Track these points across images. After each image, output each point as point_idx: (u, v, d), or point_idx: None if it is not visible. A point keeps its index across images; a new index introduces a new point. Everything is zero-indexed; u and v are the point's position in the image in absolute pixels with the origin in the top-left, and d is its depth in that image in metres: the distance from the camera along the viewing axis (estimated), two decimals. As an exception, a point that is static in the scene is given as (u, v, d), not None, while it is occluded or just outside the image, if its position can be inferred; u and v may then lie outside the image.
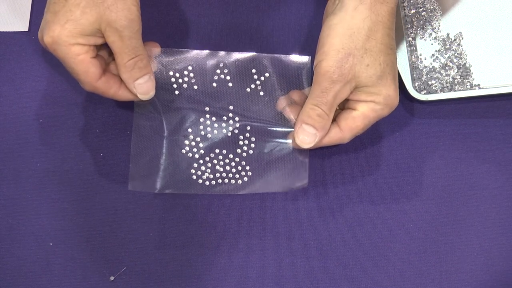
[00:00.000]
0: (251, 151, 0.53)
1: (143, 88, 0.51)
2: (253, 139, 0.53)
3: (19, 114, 0.58)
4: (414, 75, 0.59)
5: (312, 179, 0.56)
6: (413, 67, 0.59)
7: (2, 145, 0.57)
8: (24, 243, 0.55)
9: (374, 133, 0.58)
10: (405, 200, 0.57)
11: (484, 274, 0.55)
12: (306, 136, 0.50)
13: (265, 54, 0.54)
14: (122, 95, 0.51)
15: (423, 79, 0.58)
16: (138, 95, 0.51)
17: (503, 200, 0.57)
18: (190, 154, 0.53)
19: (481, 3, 0.60)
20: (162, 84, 0.53)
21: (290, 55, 0.55)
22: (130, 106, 0.56)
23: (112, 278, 0.54)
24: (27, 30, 0.60)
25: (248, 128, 0.54)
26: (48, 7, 0.48)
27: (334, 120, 0.51)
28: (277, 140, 0.53)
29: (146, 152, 0.53)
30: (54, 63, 0.59)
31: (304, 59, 0.54)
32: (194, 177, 0.53)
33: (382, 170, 0.57)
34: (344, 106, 0.52)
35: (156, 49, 0.53)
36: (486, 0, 0.61)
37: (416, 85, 0.58)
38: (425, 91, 0.58)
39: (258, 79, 0.54)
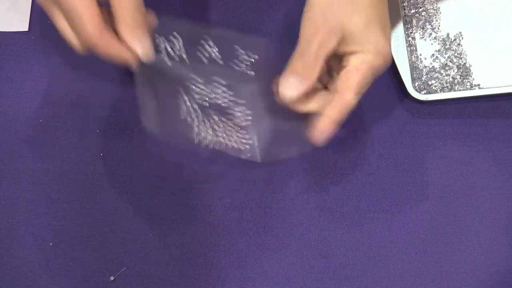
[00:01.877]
0: (249, 122, 0.52)
1: (144, 47, 0.47)
2: (248, 112, 0.53)
3: (19, 114, 0.58)
4: (414, 75, 0.59)
5: (312, 179, 0.56)
6: (413, 67, 0.59)
7: (2, 145, 0.57)
8: (24, 243, 0.55)
9: (374, 133, 0.58)
10: (405, 200, 0.57)
11: (484, 274, 0.55)
12: (290, 87, 0.48)
13: (254, 38, 0.53)
14: (121, 53, 0.47)
15: (423, 79, 0.58)
16: (139, 54, 0.48)
17: (503, 200, 0.57)
18: (189, 119, 0.52)
19: (481, 3, 0.60)
20: (157, 55, 0.52)
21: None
22: (130, 106, 0.56)
23: (112, 278, 0.54)
24: (27, 30, 0.60)
25: (243, 102, 0.52)
26: None
27: (332, 89, 0.50)
28: (275, 113, 0.52)
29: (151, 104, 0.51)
30: (54, 63, 0.59)
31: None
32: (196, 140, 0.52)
33: (382, 170, 0.57)
34: (338, 72, 0.50)
35: (153, 19, 0.50)
36: (486, 0, 0.61)
37: (416, 85, 0.58)
38: (425, 91, 0.58)
39: (248, 60, 0.53)
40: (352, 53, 0.48)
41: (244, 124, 0.53)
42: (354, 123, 0.58)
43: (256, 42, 0.53)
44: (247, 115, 0.53)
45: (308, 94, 0.49)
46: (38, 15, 0.60)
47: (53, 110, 0.58)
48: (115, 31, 0.46)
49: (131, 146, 0.57)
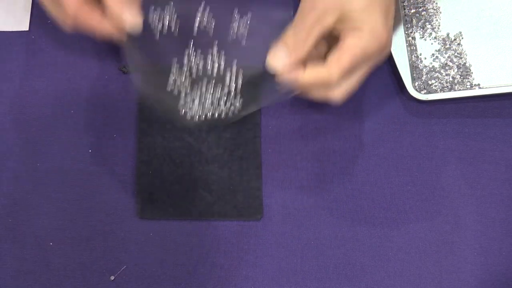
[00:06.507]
0: (239, 86, 0.52)
1: (132, 15, 0.47)
2: (240, 76, 0.52)
3: (19, 114, 0.58)
4: (414, 75, 0.59)
5: (312, 178, 0.56)
6: (413, 67, 0.59)
7: (2, 145, 0.57)
8: (24, 243, 0.55)
9: (374, 133, 0.58)
10: (405, 200, 0.57)
11: (484, 274, 0.55)
12: (277, 59, 0.47)
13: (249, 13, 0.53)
14: (103, 26, 0.48)
15: (423, 78, 0.58)
16: (127, 23, 0.47)
17: (503, 200, 0.57)
18: (176, 92, 0.52)
19: (481, 3, 0.60)
20: (144, 28, 0.51)
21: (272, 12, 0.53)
22: (130, 106, 0.56)
23: (112, 277, 0.54)
24: (27, 30, 0.60)
25: (235, 62, 0.52)
26: None
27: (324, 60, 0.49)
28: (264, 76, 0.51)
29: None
30: (54, 63, 0.59)
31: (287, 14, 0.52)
32: (182, 111, 0.52)
33: (382, 170, 0.57)
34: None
35: None
36: (486, 0, 0.61)
37: (416, 84, 0.58)
38: (425, 90, 0.58)
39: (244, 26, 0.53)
40: (348, 33, 0.47)
41: (232, 90, 0.52)
42: (354, 122, 0.58)
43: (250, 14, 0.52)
44: (239, 77, 0.52)
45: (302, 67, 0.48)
46: (38, 15, 0.60)
47: (53, 110, 0.58)
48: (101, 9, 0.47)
49: (131, 145, 0.57)
